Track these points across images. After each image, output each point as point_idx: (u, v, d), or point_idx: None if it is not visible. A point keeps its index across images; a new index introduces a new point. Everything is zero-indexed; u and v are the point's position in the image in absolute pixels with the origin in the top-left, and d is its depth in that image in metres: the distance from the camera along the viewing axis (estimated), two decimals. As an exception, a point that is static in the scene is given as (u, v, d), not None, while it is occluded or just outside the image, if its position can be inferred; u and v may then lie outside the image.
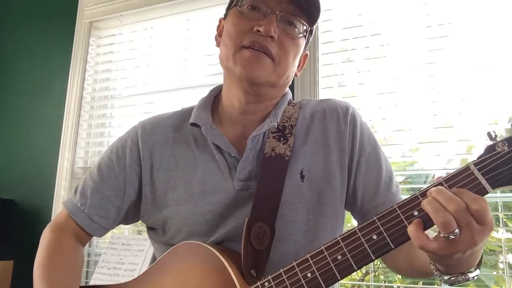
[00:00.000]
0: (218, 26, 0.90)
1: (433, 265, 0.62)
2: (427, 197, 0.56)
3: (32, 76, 2.31)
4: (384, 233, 0.59)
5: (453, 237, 0.53)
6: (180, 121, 0.92)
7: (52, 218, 1.99)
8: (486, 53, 1.43)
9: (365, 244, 0.60)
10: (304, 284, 0.62)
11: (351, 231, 0.61)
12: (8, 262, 1.93)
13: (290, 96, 0.92)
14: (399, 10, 1.60)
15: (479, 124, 1.38)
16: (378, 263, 1.74)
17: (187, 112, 0.92)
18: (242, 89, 0.82)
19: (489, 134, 0.59)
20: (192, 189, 0.82)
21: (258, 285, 0.65)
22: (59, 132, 2.11)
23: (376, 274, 1.74)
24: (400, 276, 1.72)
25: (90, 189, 0.87)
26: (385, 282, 1.73)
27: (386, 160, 0.87)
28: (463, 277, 0.59)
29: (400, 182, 1.79)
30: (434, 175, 1.51)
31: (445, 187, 0.57)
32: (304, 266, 0.62)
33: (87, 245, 1.42)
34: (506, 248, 1.35)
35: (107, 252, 1.67)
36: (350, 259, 0.60)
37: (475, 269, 0.60)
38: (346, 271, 0.60)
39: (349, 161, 0.84)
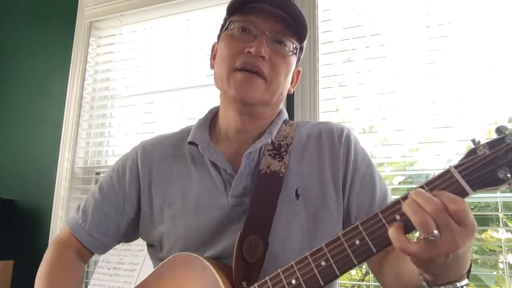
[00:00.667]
0: (212, 50, 0.94)
1: (421, 275, 0.62)
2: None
3: (32, 76, 2.31)
4: (367, 237, 0.59)
5: (432, 238, 0.52)
6: (179, 140, 0.94)
7: (52, 218, 2.00)
8: (486, 53, 1.43)
9: (348, 249, 0.60)
10: None
11: (335, 237, 0.62)
12: (8, 262, 1.93)
13: (285, 115, 0.94)
14: (399, 10, 1.60)
15: (479, 124, 1.38)
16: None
17: (185, 132, 0.95)
18: (237, 110, 0.85)
19: (473, 140, 0.60)
20: (188, 205, 0.84)
21: None
22: (59, 132, 2.11)
23: (376, 274, 1.74)
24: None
25: (92, 207, 0.91)
26: (385, 282, 1.72)
27: (381, 180, 0.87)
28: (451, 286, 0.59)
29: (400, 182, 1.80)
30: (434, 175, 1.51)
31: (426, 191, 0.57)
32: (289, 273, 0.63)
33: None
34: (506, 248, 1.35)
35: (107, 252, 1.67)
36: (333, 265, 0.60)
37: (463, 278, 0.60)
38: (329, 277, 0.61)
39: (343, 181, 0.85)
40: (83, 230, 0.89)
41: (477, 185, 0.57)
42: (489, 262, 1.60)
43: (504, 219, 1.41)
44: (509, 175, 0.56)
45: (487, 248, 1.56)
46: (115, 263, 1.63)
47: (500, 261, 1.47)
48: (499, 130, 0.58)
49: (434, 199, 0.54)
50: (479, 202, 1.55)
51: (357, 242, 0.60)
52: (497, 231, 1.45)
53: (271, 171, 0.82)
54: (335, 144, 0.87)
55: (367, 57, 1.63)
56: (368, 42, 1.62)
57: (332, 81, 1.70)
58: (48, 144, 2.14)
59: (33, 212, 2.08)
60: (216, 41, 0.92)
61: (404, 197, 0.59)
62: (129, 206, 0.90)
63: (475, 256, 1.57)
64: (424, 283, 0.61)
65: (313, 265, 0.62)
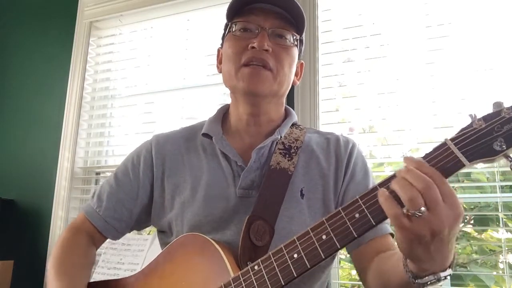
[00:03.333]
0: (218, 55, 0.99)
1: (405, 267, 0.62)
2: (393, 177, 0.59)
3: (32, 76, 2.31)
4: (366, 210, 0.61)
5: (419, 214, 0.54)
6: (192, 133, 0.99)
7: (52, 218, 2.00)
8: (486, 53, 1.43)
9: (348, 222, 0.62)
10: (290, 264, 0.65)
11: (335, 211, 0.64)
12: (8, 262, 1.93)
13: (295, 118, 0.98)
14: (399, 10, 1.60)
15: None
16: (378, 263, 1.73)
17: (198, 127, 0.99)
18: (247, 103, 0.89)
19: (470, 115, 0.61)
20: (197, 193, 0.88)
21: (248, 269, 0.69)
22: (59, 132, 2.11)
23: (376, 274, 1.74)
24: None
25: (106, 193, 0.95)
26: (385, 282, 1.72)
27: None
28: (435, 276, 0.59)
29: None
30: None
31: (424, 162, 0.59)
32: (291, 247, 0.66)
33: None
34: (506, 248, 1.35)
35: (107, 252, 1.67)
36: (334, 238, 0.62)
37: (447, 269, 0.60)
38: (330, 250, 0.63)
39: (340, 187, 0.89)
40: (98, 215, 0.93)
41: (473, 156, 0.58)
42: (489, 262, 1.60)
43: (504, 219, 1.41)
44: (504, 146, 0.57)
45: (487, 248, 1.56)
46: (115, 263, 1.63)
47: (500, 261, 1.47)
48: (496, 105, 0.60)
49: (424, 177, 0.55)
50: (479, 202, 1.55)
51: (357, 215, 0.61)
52: (497, 231, 1.45)
53: (280, 168, 0.86)
54: (341, 153, 0.92)
55: (367, 57, 1.63)
56: (368, 42, 1.62)
57: (332, 81, 1.70)
58: (48, 144, 2.14)
59: (33, 212, 2.08)
60: (220, 46, 0.98)
61: (381, 184, 0.61)
62: (142, 194, 0.94)
63: (475, 256, 1.57)
64: (409, 274, 0.61)
65: (314, 239, 0.64)
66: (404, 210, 0.55)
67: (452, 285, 1.46)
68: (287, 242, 0.66)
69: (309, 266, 0.63)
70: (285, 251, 0.66)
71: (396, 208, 0.56)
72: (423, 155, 0.61)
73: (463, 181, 1.52)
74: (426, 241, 0.55)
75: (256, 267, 0.68)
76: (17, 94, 2.34)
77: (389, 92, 1.56)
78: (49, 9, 2.37)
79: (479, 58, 1.44)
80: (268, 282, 0.66)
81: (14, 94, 2.35)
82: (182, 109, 1.96)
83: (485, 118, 0.59)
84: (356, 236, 0.61)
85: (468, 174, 1.52)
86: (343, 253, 1.80)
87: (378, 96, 1.57)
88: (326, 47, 1.71)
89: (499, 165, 1.38)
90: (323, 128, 1.64)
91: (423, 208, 0.53)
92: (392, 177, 0.61)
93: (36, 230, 2.04)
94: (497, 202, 1.37)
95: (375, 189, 0.61)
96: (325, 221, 0.64)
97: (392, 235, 0.85)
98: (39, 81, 2.28)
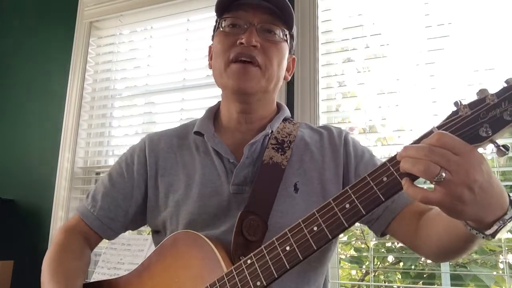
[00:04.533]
0: (209, 52, 0.99)
1: (466, 226, 0.60)
2: (397, 161, 0.58)
3: (32, 76, 2.31)
4: (356, 201, 0.62)
5: (442, 178, 0.53)
6: (185, 131, 0.99)
7: (52, 218, 2.00)
8: (486, 53, 1.43)
9: (338, 213, 0.63)
10: (283, 257, 0.65)
11: (325, 203, 0.64)
12: (8, 262, 1.93)
13: (287, 112, 0.98)
14: (399, 10, 1.60)
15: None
16: (378, 263, 1.74)
17: (190, 125, 0.99)
18: (237, 100, 0.89)
19: (455, 103, 0.62)
20: (191, 191, 0.88)
21: (241, 263, 0.69)
22: (59, 132, 2.11)
23: (376, 274, 1.74)
24: (400, 276, 1.72)
25: (101, 193, 0.95)
26: (385, 282, 1.73)
27: None
28: (501, 221, 0.57)
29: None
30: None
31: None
32: (283, 240, 0.66)
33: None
34: (506, 248, 1.35)
35: (107, 252, 1.67)
36: (325, 229, 0.63)
37: (509, 208, 0.58)
38: (322, 241, 0.63)
39: (345, 174, 0.89)
40: (92, 215, 0.93)
41: None
42: (489, 262, 1.60)
43: (504, 219, 1.41)
44: (490, 132, 0.57)
45: (487, 248, 1.56)
46: (115, 263, 1.63)
47: (500, 261, 1.47)
48: (481, 92, 0.61)
49: (422, 145, 0.56)
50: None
51: (347, 205, 0.62)
52: (497, 231, 1.45)
53: (273, 163, 0.86)
54: (336, 143, 0.92)
55: (367, 57, 1.63)
56: (368, 42, 1.62)
57: (332, 81, 1.70)
58: (48, 144, 2.14)
59: (33, 212, 2.08)
60: (212, 43, 0.97)
61: (390, 160, 0.61)
62: (137, 193, 0.94)
63: (475, 256, 1.57)
64: (475, 232, 0.59)
65: (305, 230, 0.64)
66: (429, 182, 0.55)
67: (452, 285, 1.46)
68: (279, 235, 0.67)
69: (301, 258, 0.64)
70: (277, 244, 0.66)
71: (422, 190, 0.55)
72: (410, 143, 0.61)
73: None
74: (468, 197, 0.54)
75: (249, 261, 0.68)
76: (17, 94, 2.34)
77: (389, 92, 1.56)
78: (49, 9, 2.37)
79: (479, 58, 1.44)
80: (261, 276, 0.66)
81: (14, 94, 2.35)
82: (182, 109, 1.96)
83: (470, 105, 0.60)
84: (346, 226, 0.62)
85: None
86: (342, 253, 1.80)
87: (378, 96, 1.57)
88: (326, 47, 1.71)
89: (499, 165, 1.38)
90: (323, 128, 1.64)
91: (443, 173, 0.53)
92: (384, 165, 0.61)
93: (36, 230, 2.04)
94: (497, 202, 1.37)
95: (364, 179, 0.62)
96: (315, 212, 0.65)
97: None
98: (39, 81, 2.28)
